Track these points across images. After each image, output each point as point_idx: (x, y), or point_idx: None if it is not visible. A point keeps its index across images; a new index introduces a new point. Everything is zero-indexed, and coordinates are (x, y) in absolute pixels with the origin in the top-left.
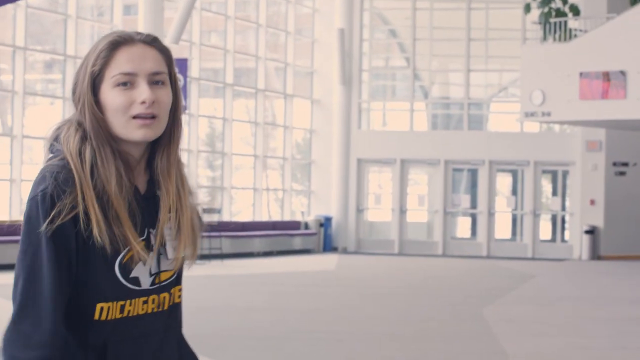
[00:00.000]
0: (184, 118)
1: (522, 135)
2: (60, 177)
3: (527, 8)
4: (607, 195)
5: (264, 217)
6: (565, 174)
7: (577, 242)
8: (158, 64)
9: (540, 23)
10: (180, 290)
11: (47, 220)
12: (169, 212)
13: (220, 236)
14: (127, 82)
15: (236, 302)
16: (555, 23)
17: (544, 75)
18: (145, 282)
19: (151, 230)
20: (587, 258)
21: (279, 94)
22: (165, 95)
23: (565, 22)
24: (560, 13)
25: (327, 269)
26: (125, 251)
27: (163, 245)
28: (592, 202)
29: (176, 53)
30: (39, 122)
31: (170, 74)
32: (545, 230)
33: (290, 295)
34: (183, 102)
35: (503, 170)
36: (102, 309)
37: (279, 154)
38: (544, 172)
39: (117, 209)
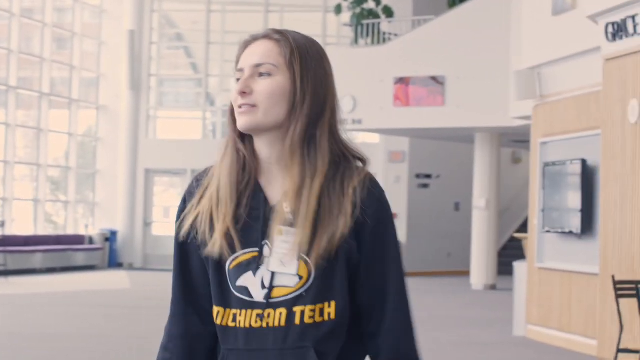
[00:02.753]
0: None
1: None
2: (197, 177)
3: (339, 9)
4: (410, 209)
5: (46, 231)
6: None
7: None
8: (265, 55)
9: (351, 25)
10: (316, 310)
11: (176, 222)
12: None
13: (4, 251)
14: (239, 78)
15: (46, 327)
16: (367, 25)
17: (355, 81)
18: (258, 294)
19: (268, 243)
20: None
21: (64, 99)
22: (266, 85)
23: (378, 24)
24: (373, 14)
25: (123, 287)
26: (232, 257)
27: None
28: (395, 215)
29: None
30: None
31: (290, 62)
32: None
33: (98, 318)
34: (308, 91)
35: None
36: (217, 313)
37: (62, 163)
38: None
39: (221, 204)
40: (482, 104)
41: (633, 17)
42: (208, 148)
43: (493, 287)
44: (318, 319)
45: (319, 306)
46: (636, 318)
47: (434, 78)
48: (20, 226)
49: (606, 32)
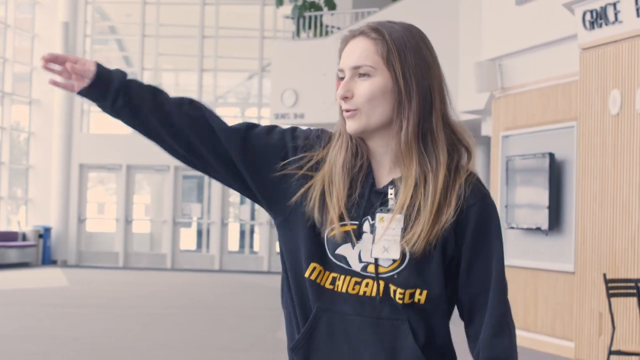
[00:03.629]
0: None
1: None
2: (320, 135)
3: (280, 1)
4: None
5: None
6: None
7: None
8: (362, 56)
9: (293, 18)
10: (405, 294)
11: (285, 127)
12: (396, 208)
13: None
14: (343, 77)
15: None
16: (309, 17)
17: (297, 74)
18: (355, 265)
19: (370, 218)
20: None
21: None
22: (365, 87)
23: (321, 17)
24: (315, 7)
25: (60, 285)
26: (331, 227)
27: (373, 241)
28: None
29: None
30: None
31: (389, 61)
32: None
33: (40, 318)
34: (412, 86)
35: None
36: (314, 268)
37: None
38: None
39: (333, 189)
40: None
41: (614, 4)
42: (143, 142)
43: None
44: (408, 300)
45: (409, 291)
46: (626, 318)
47: None
48: None
49: (583, 20)
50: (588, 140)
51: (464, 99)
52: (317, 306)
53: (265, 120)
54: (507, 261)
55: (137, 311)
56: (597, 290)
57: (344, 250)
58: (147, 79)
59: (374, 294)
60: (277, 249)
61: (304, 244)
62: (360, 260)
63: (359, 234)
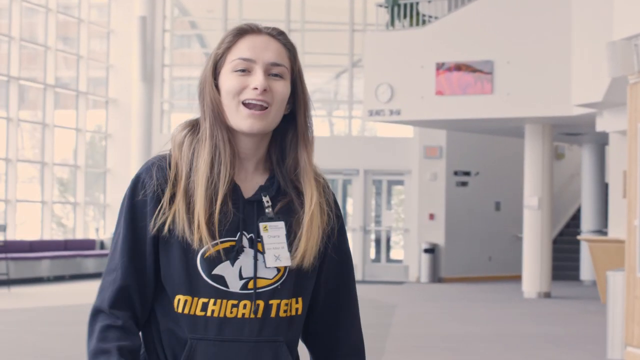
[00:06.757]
0: None
1: (349, 139)
2: (155, 163)
3: None
4: (447, 209)
5: (53, 235)
6: (390, 184)
7: (414, 262)
8: (279, 56)
9: (386, 6)
10: (289, 304)
11: (129, 197)
12: (300, 220)
13: (6, 258)
14: (244, 69)
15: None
16: (404, 6)
17: (392, 67)
18: (234, 285)
19: (245, 233)
20: (427, 280)
21: (71, 91)
22: (281, 87)
23: (417, 5)
24: None
25: None
26: (207, 246)
27: (263, 252)
28: (432, 216)
29: None
30: None
31: (293, 70)
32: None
33: None
34: (305, 100)
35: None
36: (179, 301)
37: (70, 161)
38: (374, 182)
39: (197, 205)
40: (536, 92)
41: None
42: None
43: (547, 295)
44: (289, 313)
45: (292, 300)
46: None
47: (481, 63)
48: (27, 230)
49: None
50: None
51: (577, 92)
52: (190, 337)
53: (356, 120)
54: None
55: None
56: None
57: (222, 269)
58: None
59: (252, 315)
60: None
61: (176, 271)
62: (241, 277)
63: (239, 250)
